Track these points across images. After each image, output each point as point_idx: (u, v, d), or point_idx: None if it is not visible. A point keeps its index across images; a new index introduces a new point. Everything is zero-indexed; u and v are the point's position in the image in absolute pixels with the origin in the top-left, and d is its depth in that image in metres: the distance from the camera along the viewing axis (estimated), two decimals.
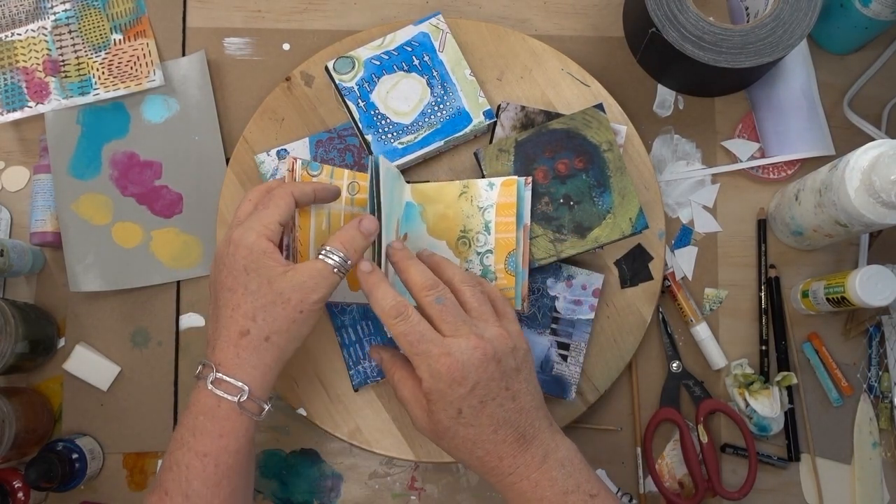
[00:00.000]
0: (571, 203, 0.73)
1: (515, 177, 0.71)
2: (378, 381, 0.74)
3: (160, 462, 0.77)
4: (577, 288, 0.74)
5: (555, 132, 0.74)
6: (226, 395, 0.57)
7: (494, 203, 0.71)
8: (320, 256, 0.60)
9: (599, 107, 0.74)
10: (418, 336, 0.57)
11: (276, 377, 0.60)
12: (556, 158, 0.73)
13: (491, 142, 0.76)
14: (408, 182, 0.73)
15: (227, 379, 0.57)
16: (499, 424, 0.58)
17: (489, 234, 0.71)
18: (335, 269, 0.60)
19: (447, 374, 0.56)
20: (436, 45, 0.77)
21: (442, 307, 0.59)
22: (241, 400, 0.57)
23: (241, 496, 0.59)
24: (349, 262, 0.60)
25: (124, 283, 0.78)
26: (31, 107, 0.80)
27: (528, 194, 0.71)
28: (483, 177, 0.73)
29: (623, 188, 0.73)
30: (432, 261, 0.64)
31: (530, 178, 0.71)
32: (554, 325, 0.74)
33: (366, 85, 0.76)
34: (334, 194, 0.67)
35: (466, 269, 0.70)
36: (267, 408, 0.59)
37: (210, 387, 0.57)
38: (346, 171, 0.69)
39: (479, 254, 0.71)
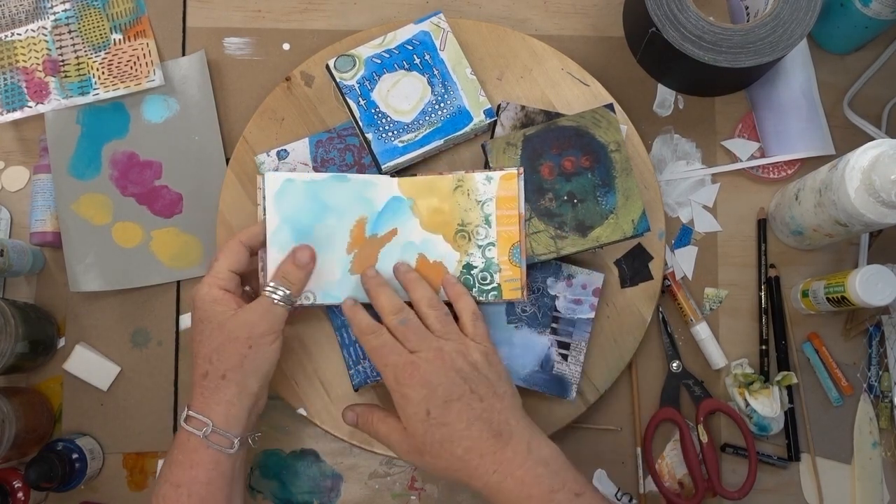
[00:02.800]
0: (575, 201, 0.73)
1: (514, 169, 0.71)
2: (378, 381, 0.74)
3: (159, 462, 0.77)
4: (578, 287, 0.74)
5: (564, 129, 0.74)
6: (193, 430, 0.62)
7: (494, 196, 0.71)
8: (265, 292, 0.65)
9: (610, 107, 0.74)
10: (388, 349, 0.64)
11: (247, 411, 0.64)
12: (564, 155, 0.73)
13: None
14: (395, 175, 0.73)
15: (195, 415, 0.62)
16: (470, 421, 0.61)
17: (490, 227, 0.71)
18: (278, 302, 0.65)
19: (410, 378, 0.62)
20: (437, 43, 0.77)
21: (406, 328, 0.65)
22: (207, 433, 0.61)
23: None
24: (290, 293, 0.66)
25: (124, 283, 0.78)
26: (31, 107, 0.80)
27: (521, 183, 0.71)
28: (489, 168, 0.73)
29: (628, 189, 0.72)
30: (407, 278, 0.69)
31: (522, 168, 0.71)
32: (554, 325, 0.74)
33: (366, 83, 0.76)
34: None
35: (467, 263, 0.71)
36: (237, 441, 0.63)
37: (182, 423, 0.63)
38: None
39: (480, 247, 0.71)
